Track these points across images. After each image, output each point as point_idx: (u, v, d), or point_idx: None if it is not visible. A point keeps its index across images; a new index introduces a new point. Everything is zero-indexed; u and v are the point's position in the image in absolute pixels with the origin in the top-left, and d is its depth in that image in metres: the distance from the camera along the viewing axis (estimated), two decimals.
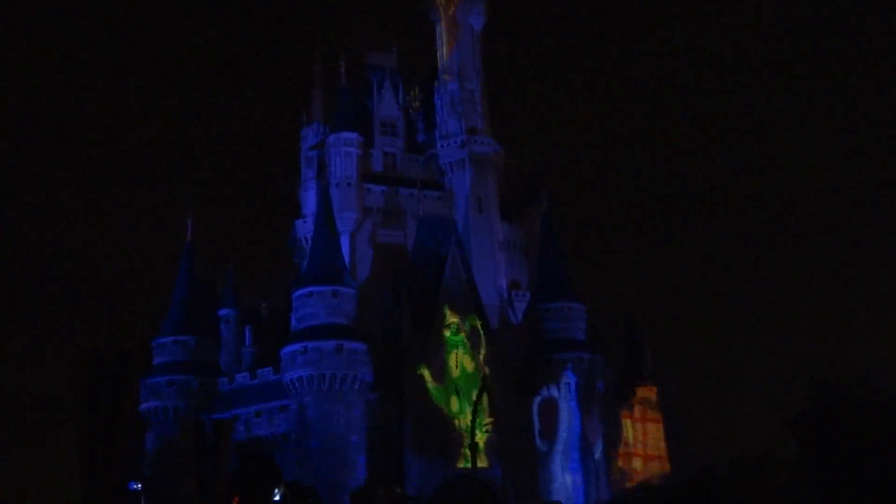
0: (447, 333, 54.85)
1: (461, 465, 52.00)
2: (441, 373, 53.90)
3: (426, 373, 53.58)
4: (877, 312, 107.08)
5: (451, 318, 55.49)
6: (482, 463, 51.74)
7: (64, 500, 58.72)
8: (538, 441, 54.80)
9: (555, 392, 55.25)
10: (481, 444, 52.00)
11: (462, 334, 55.27)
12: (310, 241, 58.07)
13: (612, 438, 57.79)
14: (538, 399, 55.70)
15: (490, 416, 52.85)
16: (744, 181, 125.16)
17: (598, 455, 55.16)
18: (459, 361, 54.55)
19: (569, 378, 55.49)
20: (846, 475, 37.66)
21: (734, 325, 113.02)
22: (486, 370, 54.08)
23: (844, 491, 37.31)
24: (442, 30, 68.62)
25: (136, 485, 50.72)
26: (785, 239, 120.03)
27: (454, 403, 53.40)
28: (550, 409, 55.47)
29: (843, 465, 38.04)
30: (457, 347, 54.84)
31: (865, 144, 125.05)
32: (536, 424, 55.12)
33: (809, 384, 42.08)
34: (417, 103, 69.60)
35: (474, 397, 51.44)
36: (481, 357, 55.00)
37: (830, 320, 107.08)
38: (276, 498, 42.63)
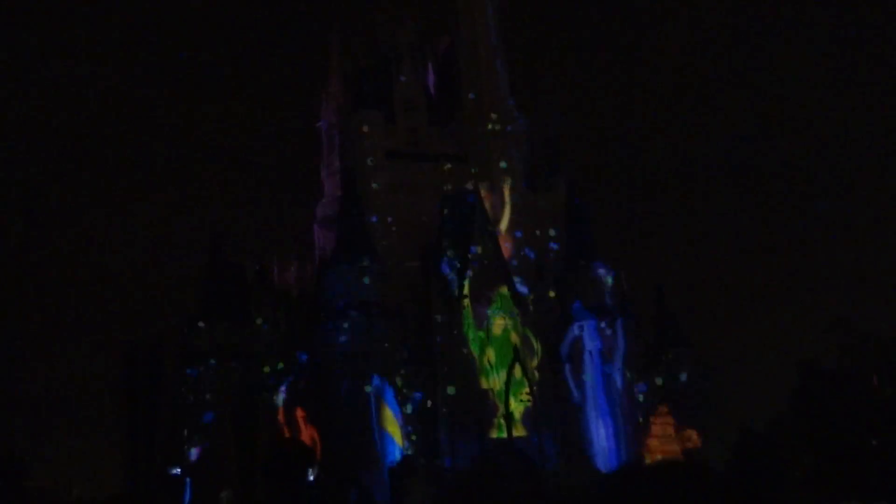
0: (476, 306, 54.79)
1: (496, 435, 52.11)
2: (473, 345, 53.92)
3: (457, 346, 53.66)
4: None
5: (480, 291, 55.42)
6: (518, 432, 51.81)
7: (108, 488, 59.54)
8: (575, 399, 54.91)
9: (584, 357, 55.32)
10: (516, 414, 52.07)
11: (492, 306, 55.21)
12: (335, 221, 58.07)
13: (647, 400, 57.60)
14: (568, 365, 55.73)
15: (524, 385, 52.80)
16: (772, 144, 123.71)
17: (631, 415, 55.11)
18: (490, 333, 54.52)
19: (592, 343, 55.52)
20: (836, 444, 40.49)
21: (763, 288, 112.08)
22: (518, 340, 53.99)
23: (836, 454, 39.99)
24: (462, 1, 67.78)
25: (176, 470, 51.36)
26: (815, 200, 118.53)
27: (487, 375, 53.47)
28: (580, 373, 55.64)
29: (832, 435, 40.95)
30: (487, 319, 54.81)
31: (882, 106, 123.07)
32: (573, 388, 55.24)
33: (797, 366, 45.10)
34: (437, 77, 69.08)
35: (507, 367, 51.45)
36: (512, 327, 54.91)
37: (862, 280, 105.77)
38: (311, 478, 42.98)
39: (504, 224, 62.11)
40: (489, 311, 55.02)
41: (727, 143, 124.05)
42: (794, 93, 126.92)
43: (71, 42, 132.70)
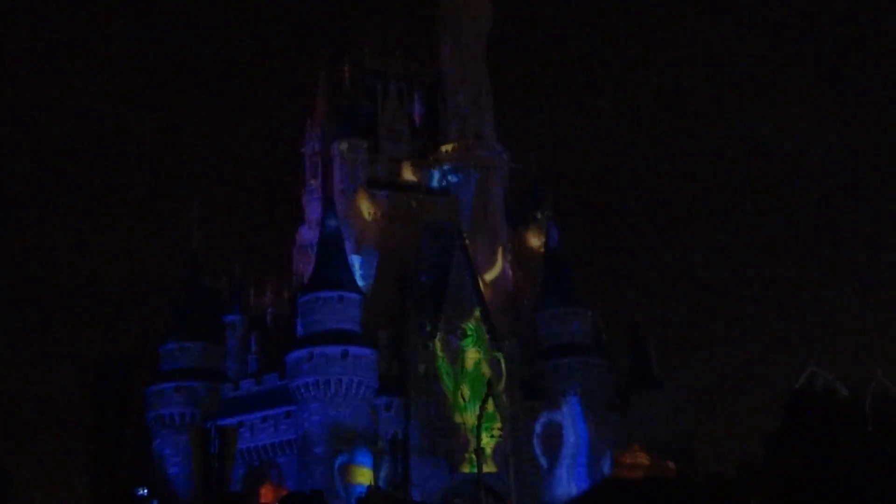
0: (452, 339, 54.82)
1: (467, 470, 51.89)
2: (446, 378, 53.88)
3: (430, 379, 53.58)
4: (878, 316, 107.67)
5: (456, 324, 55.46)
6: (489, 468, 51.65)
7: None
8: (541, 459, 54.94)
9: (556, 416, 55.48)
10: (488, 450, 51.96)
11: (467, 340, 55.23)
12: (315, 248, 58.01)
13: (620, 443, 57.44)
14: (541, 420, 55.77)
15: (497, 421, 52.74)
16: (750, 187, 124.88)
17: (606, 463, 54.86)
18: (464, 367, 54.53)
19: (571, 396, 55.68)
20: (814, 484, 38.44)
21: (740, 329, 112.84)
22: (491, 374, 53.95)
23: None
24: (447, 34, 68.38)
25: (143, 490, 50.77)
26: (791, 244, 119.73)
27: (460, 409, 53.38)
28: (553, 430, 55.66)
29: (811, 476, 38.85)
30: (462, 353, 54.84)
31: (869, 152, 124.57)
32: (537, 446, 55.22)
33: (784, 399, 43.21)
34: (422, 108, 69.55)
35: (480, 402, 51.29)
36: (486, 362, 54.94)
37: (835, 323, 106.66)
38: None
39: (483, 259, 62.35)
40: (462, 345, 55.06)
41: (714, 181, 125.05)
42: (780, 133, 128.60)
43: (60, 62, 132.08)
